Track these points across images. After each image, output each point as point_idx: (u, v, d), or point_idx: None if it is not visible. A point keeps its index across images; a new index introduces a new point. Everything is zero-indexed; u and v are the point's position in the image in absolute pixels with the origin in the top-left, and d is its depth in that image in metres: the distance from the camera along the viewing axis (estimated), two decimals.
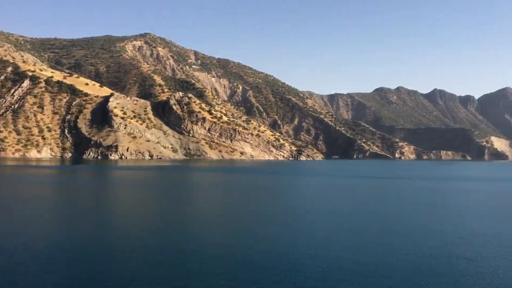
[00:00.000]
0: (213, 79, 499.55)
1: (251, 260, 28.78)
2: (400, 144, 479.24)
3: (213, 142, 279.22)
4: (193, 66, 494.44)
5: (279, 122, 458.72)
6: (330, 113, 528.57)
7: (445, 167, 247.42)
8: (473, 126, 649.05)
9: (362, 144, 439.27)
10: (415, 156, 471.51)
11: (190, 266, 27.27)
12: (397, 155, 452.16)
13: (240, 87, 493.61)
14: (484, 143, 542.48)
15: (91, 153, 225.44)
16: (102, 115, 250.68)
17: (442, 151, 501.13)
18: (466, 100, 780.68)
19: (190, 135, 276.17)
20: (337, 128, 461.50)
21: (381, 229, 41.42)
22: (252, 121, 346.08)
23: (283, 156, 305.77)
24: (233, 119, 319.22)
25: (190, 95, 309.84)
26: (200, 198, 68.60)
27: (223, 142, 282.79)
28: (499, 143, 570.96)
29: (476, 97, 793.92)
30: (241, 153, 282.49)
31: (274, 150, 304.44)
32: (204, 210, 55.33)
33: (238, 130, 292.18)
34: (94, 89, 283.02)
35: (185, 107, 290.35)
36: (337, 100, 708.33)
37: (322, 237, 36.68)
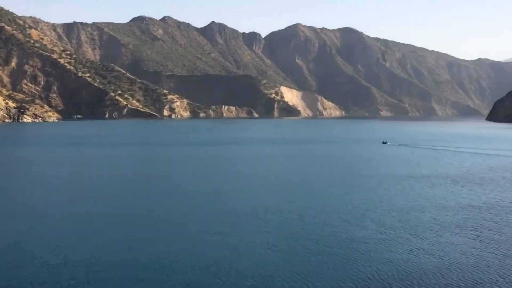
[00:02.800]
0: None
1: None
2: (170, 97, 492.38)
3: None
4: None
5: None
6: (68, 52, 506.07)
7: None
8: (261, 73, 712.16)
9: (117, 97, 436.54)
10: (190, 114, 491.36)
11: None
12: (166, 113, 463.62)
13: None
14: (273, 95, 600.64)
15: None
16: None
17: (223, 107, 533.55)
18: (251, 38, 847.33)
19: None
20: (80, 74, 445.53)
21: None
22: None
23: None
24: None
25: None
26: None
27: None
28: (290, 95, 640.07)
29: (263, 35, 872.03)
30: None
31: None
32: None
33: None
34: None
35: None
36: (77, 32, 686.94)
37: None
